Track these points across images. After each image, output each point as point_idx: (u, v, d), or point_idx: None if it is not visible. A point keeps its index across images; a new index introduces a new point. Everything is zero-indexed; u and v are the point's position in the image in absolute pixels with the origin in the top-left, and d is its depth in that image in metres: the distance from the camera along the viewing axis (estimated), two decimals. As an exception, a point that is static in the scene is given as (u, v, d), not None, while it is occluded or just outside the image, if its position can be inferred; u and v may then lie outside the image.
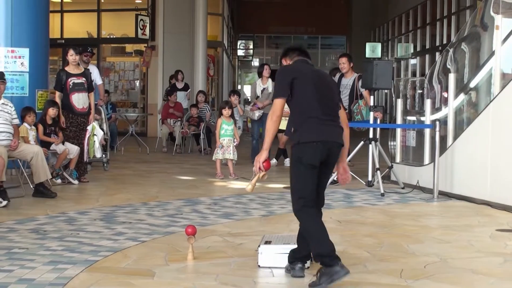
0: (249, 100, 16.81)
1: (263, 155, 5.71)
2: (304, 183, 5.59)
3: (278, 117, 5.65)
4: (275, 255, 6.05)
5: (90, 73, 12.13)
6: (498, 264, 6.38)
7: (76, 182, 11.52)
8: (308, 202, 5.57)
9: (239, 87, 43.56)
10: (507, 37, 11.01)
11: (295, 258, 5.83)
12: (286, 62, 6.04)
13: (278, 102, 5.67)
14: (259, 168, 5.70)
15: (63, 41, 24.32)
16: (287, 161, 14.70)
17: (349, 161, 11.41)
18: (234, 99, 15.22)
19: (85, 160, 11.96)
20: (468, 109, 11.68)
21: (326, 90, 5.78)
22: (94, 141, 11.99)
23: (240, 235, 7.50)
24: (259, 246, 6.15)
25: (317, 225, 5.56)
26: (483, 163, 9.88)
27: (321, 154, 5.58)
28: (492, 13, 11.24)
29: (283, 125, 14.00)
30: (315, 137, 5.56)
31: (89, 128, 11.85)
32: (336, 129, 5.70)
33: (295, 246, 5.88)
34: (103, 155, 13.07)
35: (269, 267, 6.03)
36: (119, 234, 7.40)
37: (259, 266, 6.07)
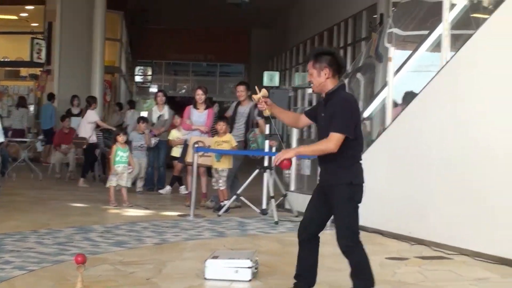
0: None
1: (291, 152, 5.78)
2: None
3: (330, 151, 5.59)
4: (220, 269, 6.70)
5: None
6: (387, 292, 6.47)
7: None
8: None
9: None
10: (399, 69, 11.29)
11: None
12: (324, 73, 5.75)
13: (340, 138, 5.58)
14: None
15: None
16: (182, 189, 14.64)
17: (238, 194, 11.45)
18: (143, 126, 14.79)
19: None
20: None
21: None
22: None
23: (132, 264, 7.41)
24: (206, 260, 6.77)
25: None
26: (377, 192, 10.01)
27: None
28: (386, 45, 11.50)
29: (177, 152, 14.01)
30: (364, 181, 5.84)
31: None
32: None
33: (241, 260, 6.32)
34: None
35: (215, 280, 6.65)
36: (6, 263, 7.20)
37: (205, 278, 6.69)
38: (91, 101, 17.13)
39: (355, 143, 5.68)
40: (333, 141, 5.55)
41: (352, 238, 5.72)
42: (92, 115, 16.50)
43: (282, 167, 5.83)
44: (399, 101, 10.96)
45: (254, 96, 6.12)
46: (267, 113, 6.12)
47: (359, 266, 5.76)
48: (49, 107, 21.58)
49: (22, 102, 22.48)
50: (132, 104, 21.90)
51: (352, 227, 5.73)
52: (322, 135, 5.71)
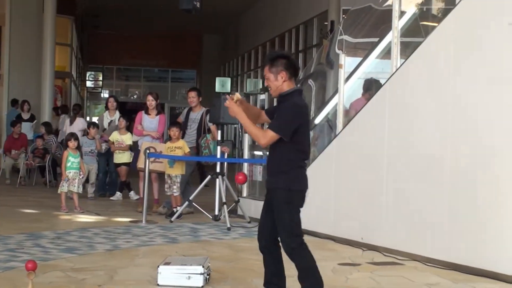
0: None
1: (236, 110, 5.87)
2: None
3: (262, 144, 5.77)
4: (172, 275, 6.71)
5: None
6: (339, 297, 6.51)
7: None
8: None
9: (88, 118, 42.95)
10: (350, 76, 11.39)
11: None
12: (280, 76, 5.83)
13: (274, 137, 5.70)
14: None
15: None
16: (132, 194, 14.60)
17: (190, 200, 11.44)
18: (93, 131, 14.66)
19: None
20: (314, 144, 11.94)
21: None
22: None
23: (83, 270, 7.36)
24: (158, 266, 6.75)
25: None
26: (327, 198, 10.10)
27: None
28: (337, 51, 11.59)
29: (125, 159, 14.01)
30: (307, 187, 5.83)
31: None
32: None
33: (193, 267, 6.31)
34: None
35: (168, 286, 6.62)
36: (-45, 270, 7.12)
37: (158, 285, 6.68)
38: (78, 109, 17.18)
39: (295, 148, 5.75)
40: (266, 138, 5.72)
41: (295, 240, 5.77)
42: (83, 123, 16.37)
43: (237, 182, 5.94)
44: (357, 96, 11.05)
45: (233, 97, 6.17)
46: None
47: (306, 269, 5.81)
48: (14, 113, 21.14)
49: None
50: (64, 109, 21.51)
51: (293, 230, 5.78)
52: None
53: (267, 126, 5.88)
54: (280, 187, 5.75)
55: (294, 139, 5.71)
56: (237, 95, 6.05)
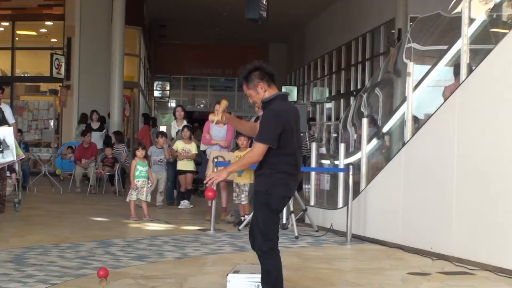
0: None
1: (223, 173, 5.81)
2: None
3: (256, 160, 5.72)
4: (242, 283, 6.71)
5: (3, 111, 11.88)
6: (409, 307, 6.46)
7: (-15, 222, 11.26)
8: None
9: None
10: (418, 84, 11.29)
11: None
12: (260, 88, 5.84)
13: (263, 148, 5.67)
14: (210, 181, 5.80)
15: (-26, 79, 23.92)
16: (185, 204, 14.62)
17: None
18: (162, 140, 14.79)
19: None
20: (381, 153, 11.89)
21: (298, 141, 5.90)
22: None
23: (154, 278, 7.43)
24: (227, 274, 6.76)
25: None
26: (395, 207, 10.03)
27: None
28: (404, 60, 11.50)
29: (191, 166, 14.14)
30: (287, 193, 5.84)
31: None
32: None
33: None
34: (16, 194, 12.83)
35: None
36: (29, 277, 7.24)
37: None
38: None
39: (278, 152, 5.70)
40: (255, 151, 5.70)
41: (266, 244, 5.76)
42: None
43: (207, 197, 5.97)
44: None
45: (218, 109, 6.18)
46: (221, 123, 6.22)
47: (268, 274, 5.82)
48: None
49: None
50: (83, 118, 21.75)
51: (267, 234, 5.78)
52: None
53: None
54: (260, 189, 5.78)
55: (276, 144, 5.70)
56: (225, 103, 6.07)
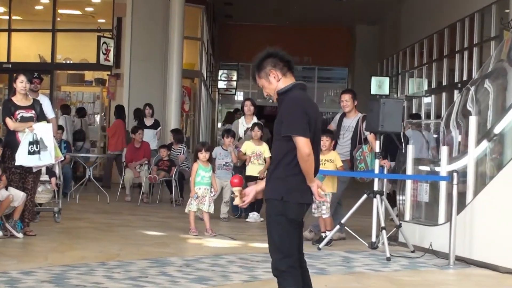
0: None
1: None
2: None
3: (310, 156, 5.67)
4: None
5: (41, 104, 12.02)
6: None
7: (20, 235, 11.43)
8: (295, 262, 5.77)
9: (219, 125, 43.58)
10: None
11: None
12: (272, 77, 5.93)
13: (303, 140, 5.65)
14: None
15: (10, 66, 24.29)
16: (255, 216, 14.60)
17: (342, 224, 11.44)
18: (228, 141, 14.70)
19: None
20: (492, 159, 11.73)
21: (319, 142, 5.91)
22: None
23: (217, 304, 7.48)
24: None
25: None
26: (509, 224, 9.90)
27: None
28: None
29: (254, 171, 14.32)
30: (306, 200, 5.83)
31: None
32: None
33: None
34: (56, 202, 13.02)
35: None
36: (71, 300, 7.36)
37: None
38: None
39: (295, 151, 5.69)
40: (300, 150, 5.65)
41: (284, 262, 5.74)
42: None
43: (232, 186, 5.98)
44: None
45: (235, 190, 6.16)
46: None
47: None
48: None
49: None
50: (65, 109, 21.67)
51: (284, 250, 5.76)
52: (275, 140, 5.85)
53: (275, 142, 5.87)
54: (273, 197, 5.78)
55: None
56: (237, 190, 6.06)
